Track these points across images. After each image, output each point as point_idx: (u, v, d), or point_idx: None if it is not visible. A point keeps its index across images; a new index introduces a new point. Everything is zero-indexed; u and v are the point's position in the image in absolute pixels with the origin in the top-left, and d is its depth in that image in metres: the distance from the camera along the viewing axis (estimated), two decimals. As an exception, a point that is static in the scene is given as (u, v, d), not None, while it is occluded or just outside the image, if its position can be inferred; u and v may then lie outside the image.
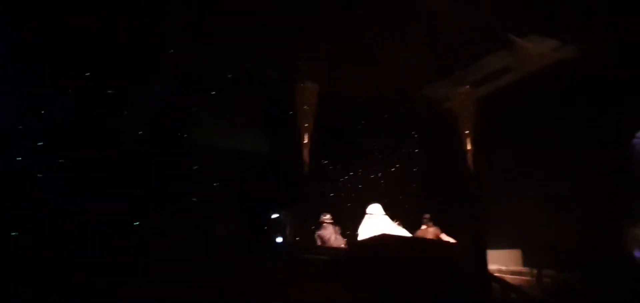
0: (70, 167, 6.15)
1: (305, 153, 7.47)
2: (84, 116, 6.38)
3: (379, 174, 8.78)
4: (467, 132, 7.88)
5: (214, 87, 7.50)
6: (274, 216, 7.13)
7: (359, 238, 6.25)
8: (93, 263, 5.03)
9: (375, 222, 6.26)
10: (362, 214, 6.56)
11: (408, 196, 8.11)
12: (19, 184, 5.74)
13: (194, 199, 6.89)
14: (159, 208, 6.45)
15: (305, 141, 7.49)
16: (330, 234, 6.90)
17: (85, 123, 6.37)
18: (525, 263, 7.18)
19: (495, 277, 6.73)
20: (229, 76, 7.48)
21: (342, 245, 6.86)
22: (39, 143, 6.08)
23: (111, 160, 6.42)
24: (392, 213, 6.50)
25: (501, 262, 7.10)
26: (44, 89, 6.20)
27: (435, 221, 7.46)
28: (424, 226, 7.38)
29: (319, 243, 6.82)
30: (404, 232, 6.33)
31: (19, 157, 5.93)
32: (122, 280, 4.98)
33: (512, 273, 6.94)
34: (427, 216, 7.41)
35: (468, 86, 8.09)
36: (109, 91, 6.61)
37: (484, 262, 6.52)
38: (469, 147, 7.83)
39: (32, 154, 6.02)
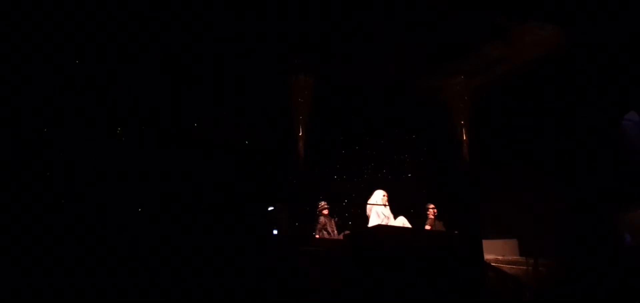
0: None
1: (301, 146, 7.48)
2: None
3: (374, 165, 8.78)
4: (462, 122, 7.89)
5: (210, 83, 7.47)
6: (270, 209, 7.11)
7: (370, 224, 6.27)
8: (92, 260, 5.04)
9: (380, 211, 6.27)
10: (357, 206, 6.56)
11: (404, 187, 8.10)
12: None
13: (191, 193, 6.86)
14: (156, 204, 6.43)
15: (300, 134, 7.50)
16: (327, 223, 6.92)
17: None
18: (522, 252, 7.19)
19: (492, 266, 6.76)
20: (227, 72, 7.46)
21: (339, 236, 6.86)
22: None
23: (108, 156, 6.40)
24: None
25: (498, 251, 7.11)
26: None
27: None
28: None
29: (319, 231, 6.83)
30: (405, 222, 6.36)
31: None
32: (123, 277, 4.97)
33: (509, 262, 6.94)
34: None
35: (462, 77, 8.11)
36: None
37: (480, 252, 6.54)
38: (464, 137, 7.85)
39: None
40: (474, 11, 6.77)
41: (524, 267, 6.78)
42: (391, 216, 6.35)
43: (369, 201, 6.49)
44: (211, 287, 5.15)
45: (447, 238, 6.55)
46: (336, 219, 7.14)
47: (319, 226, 6.88)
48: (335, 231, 6.97)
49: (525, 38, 7.29)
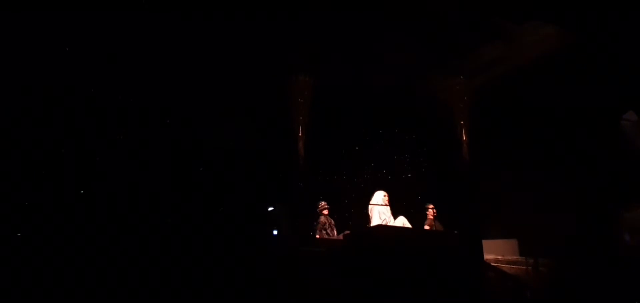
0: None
1: (301, 146, 7.48)
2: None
3: (374, 165, 8.78)
4: (462, 122, 7.89)
5: (209, 82, 7.47)
6: (270, 209, 7.11)
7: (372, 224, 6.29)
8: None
9: (381, 211, 6.29)
10: (357, 206, 6.56)
11: (404, 187, 8.09)
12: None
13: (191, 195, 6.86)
14: (156, 204, 6.43)
15: (300, 134, 7.50)
16: (327, 223, 6.94)
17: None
18: (522, 252, 7.19)
19: (492, 266, 6.76)
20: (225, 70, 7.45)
21: (338, 236, 6.87)
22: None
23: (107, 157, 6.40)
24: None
25: (498, 251, 7.11)
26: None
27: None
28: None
29: (319, 231, 6.85)
30: (405, 222, 6.37)
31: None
32: (123, 278, 4.98)
33: (509, 262, 6.95)
34: None
35: (462, 77, 8.11)
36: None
37: (480, 251, 6.54)
38: (464, 137, 7.85)
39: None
40: (474, 11, 6.78)
41: (524, 267, 6.78)
42: (391, 217, 6.36)
43: (371, 202, 6.50)
44: (211, 287, 5.15)
45: (447, 238, 6.55)
46: (332, 220, 7.14)
47: (319, 226, 6.89)
48: (335, 232, 6.98)
49: (525, 38, 7.31)
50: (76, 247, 5.17)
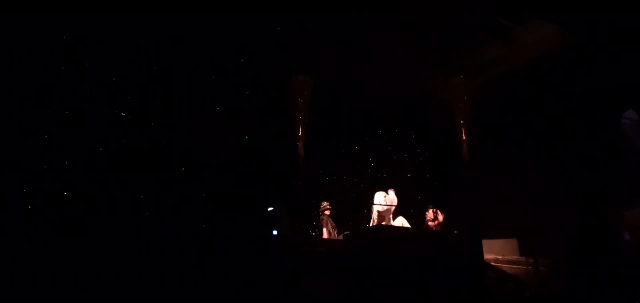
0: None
1: (301, 146, 7.48)
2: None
3: (374, 165, 8.78)
4: (462, 122, 7.89)
5: (209, 82, 7.47)
6: (270, 209, 7.10)
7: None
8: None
9: (381, 212, 6.30)
10: (357, 206, 6.57)
11: (404, 187, 8.09)
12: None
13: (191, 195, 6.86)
14: (157, 204, 6.42)
15: (300, 134, 7.50)
16: (329, 223, 6.96)
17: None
18: (522, 252, 7.20)
19: (492, 266, 6.77)
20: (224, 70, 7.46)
21: (338, 237, 6.87)
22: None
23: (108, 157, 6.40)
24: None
25: (498, 251, 7.12)
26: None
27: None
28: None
29: (323, 229, 6.86)
30: (404, 222, 6.38)
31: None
32: (123, 277, 4.98)
33: (509, 262, 6.95)
34: None
35: (462, 77, 8.11)
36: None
37: (480, 251, 6.54)
38: (464, 137, 7.85)
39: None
40: (474, 11, 6.78)
41: (524, 267, 6.79)
42: (391, 218, 6.38)
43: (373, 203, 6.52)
44: (211, 288, 5.15)
45: (447, 238, 6.56)
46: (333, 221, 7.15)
47: (323, 225, 6.91)
48: (336, 232, 6.99)
49: (526, 38, 7.31)
50: (75, 249, 5.16)
